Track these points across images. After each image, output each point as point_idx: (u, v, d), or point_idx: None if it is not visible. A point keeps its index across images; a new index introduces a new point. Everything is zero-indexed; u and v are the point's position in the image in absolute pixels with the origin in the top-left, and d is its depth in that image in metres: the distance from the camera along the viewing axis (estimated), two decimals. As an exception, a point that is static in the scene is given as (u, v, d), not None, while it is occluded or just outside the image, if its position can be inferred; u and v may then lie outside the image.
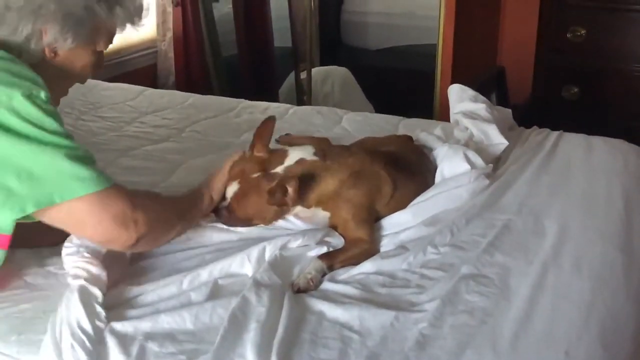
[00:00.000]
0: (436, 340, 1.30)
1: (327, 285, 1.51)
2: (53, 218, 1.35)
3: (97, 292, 1.41)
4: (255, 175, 1.62)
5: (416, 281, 1.51)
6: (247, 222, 1.66)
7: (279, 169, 1.64)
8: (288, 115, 2.64)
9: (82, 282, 1.42)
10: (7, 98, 1.29)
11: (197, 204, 1.59)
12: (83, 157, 1.34)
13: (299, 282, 1.49)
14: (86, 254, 1.49)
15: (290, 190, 1.56)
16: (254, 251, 1.56)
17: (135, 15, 1.55)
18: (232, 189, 1.63)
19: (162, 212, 1.46)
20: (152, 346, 1.32)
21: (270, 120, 1.71)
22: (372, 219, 1.71)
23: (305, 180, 1.62)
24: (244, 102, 2.78)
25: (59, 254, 1.53)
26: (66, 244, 1.54)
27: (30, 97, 1.31)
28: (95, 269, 1.47)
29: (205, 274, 1.52)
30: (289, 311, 1.38)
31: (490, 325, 1.34)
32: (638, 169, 2.10)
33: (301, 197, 1.61)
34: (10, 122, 1.28)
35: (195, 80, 3.91)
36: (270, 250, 1.57)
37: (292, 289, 1.47)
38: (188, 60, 3.91)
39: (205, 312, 1.40)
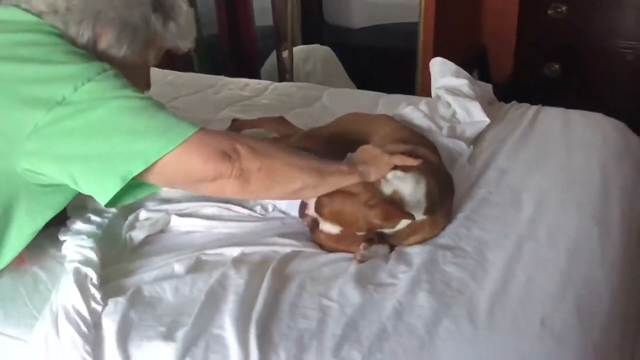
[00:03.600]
0: (413, 309, 1.32)
1: (312, 257, 1.52)
2: (161, 174, 1.32)
3: (92, 273, 1.41)
4: (360, 233, 1.50)
5: (394, 254, 1.52)
6: None
7: (386, 231, 1.52)
8: (268, 92, 2.64)
9: (76, 264, 1.42)
10: (102, 69, 1.33)
11: (342, 172, 1.48)
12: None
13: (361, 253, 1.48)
14: (81, 237, 1.51)
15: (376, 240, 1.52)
16: (252, 247, 1.56)
17: (186, 34, 1.59)
18: (331, 228, 1.53)
19: (275, 150, 1.41)
20: (133, 317, 1.33)
21: (402, 215, 1.49)
22: None
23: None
24: (224, 79, 2.77)
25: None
26: (63, 228, 1.56)
27: (113, 69, 1.35)
28: (88, 251, 1.47)
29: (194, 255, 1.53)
30: (269, 283, 1.39)
31: (467, 296, 1.35)
32: (616, 143, 2.11)
33: None
34: (107, 91, 1.30)
35: (175, 59, 3.86)
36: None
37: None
38: (169, 39, 3.87)
39: (185, 284, 1.41)
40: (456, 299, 1.34)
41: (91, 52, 1.44)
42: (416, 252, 1.50)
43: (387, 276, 1.43)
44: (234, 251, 1.54)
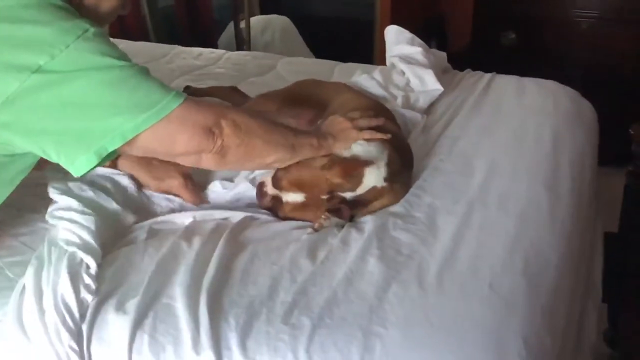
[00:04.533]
0: (363, 275, 1.32)
1: (265, 225, 1.51)
2: (140, 147, 1.27)
3: (91, 263, 1.34)
4: (324, 196, 1.50)
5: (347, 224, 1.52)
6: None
7: (348, 195, 1.51)
8: (222, 61, 2.61)
9: (74, 249, 1.36)
10: (81, 30, 1.23)
11: (312, 145, 1.48)
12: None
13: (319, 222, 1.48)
14: (77, 219, 1.43)
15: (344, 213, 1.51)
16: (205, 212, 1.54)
17: None
18: (295, 197, 1.52)
19: (256, 127, 1.38)
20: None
21: (359, 165, 1.52)
22: None
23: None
24: (177, 48, 2.74)
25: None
26: (54, 207, 1.48)
27: (94, 27, 1.25)
28: (86, 234, 1.40)
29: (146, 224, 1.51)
30: (221, 251, 1.38)
31: (417, 261, 1.36)
32: (568, 110, 2.13)
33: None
34: (87, 59, 1.21)
35: (131, 31, 3.81)
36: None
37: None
38: (123, 10, 3.79)
39: (137, 253, 1.40)
40: (406, 265, 1.35)
41: None
42: (367, 220, 1.50)
43: (339, 243, 1.42)
44: (186, 218, 1.52)
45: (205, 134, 1.29)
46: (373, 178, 1.51)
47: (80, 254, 1.35)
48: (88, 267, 1.34)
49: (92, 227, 1.42)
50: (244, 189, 1.61)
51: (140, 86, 1.25)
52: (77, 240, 1.38)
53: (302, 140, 1.46)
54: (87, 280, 1.31)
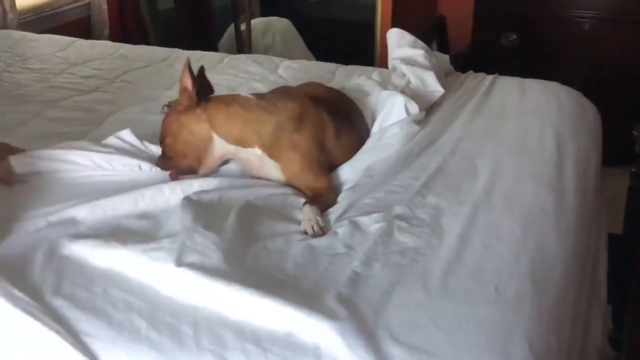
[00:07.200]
0: (368, 279, 1.30)
1: (265, 222, 1.49)
2: None
3: None
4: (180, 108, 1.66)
5: (350, 224, 1.50)
6: (182, 163, 1.64)
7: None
8: (223, 65, 2.59)
9: None
10: None
11: None
12: None
13: (307, 229, 1.48)
14: None
15: (189, 84, 1.63)
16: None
17: None
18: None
19: None
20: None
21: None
22: (326, 165, 1.70)
23: (230, 106, 1.65)
24: (177, 52, 2.72)
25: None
26: None
27: None
28: None
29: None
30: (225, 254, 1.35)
31: (422, 264, 1.35)
32: (571, 111, 2.12)
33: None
34: None
35: (130, 33, 3.80)
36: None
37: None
38: (122, 13, 3.78)
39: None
40: (410, 268, 1.33)
41: None
42: (371, 222, 1.48)
43: (342, 247, 1.41)
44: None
45: None
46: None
47: None
48: None
49: None
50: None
51: None
52: None
53: None
54: None
